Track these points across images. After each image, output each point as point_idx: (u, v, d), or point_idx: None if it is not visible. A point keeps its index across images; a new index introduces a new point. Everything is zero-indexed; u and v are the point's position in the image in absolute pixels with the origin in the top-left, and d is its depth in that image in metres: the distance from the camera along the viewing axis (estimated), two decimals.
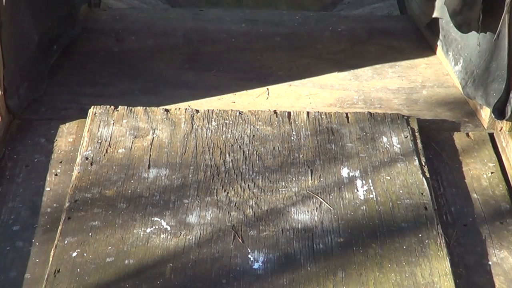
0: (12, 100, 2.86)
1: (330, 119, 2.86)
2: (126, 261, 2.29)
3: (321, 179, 2.60)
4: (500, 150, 2.83)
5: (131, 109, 2.87)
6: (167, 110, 2.87)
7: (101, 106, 2.87)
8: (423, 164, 2.68)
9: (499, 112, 2.72)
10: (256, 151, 2.71)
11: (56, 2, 3.23)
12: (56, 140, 2.82)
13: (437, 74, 3.30)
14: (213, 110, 2.89)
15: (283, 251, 2.34)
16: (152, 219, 2.43)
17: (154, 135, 2.76)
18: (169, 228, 2.40)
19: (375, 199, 2.53)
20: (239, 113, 2.88)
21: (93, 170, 2.60)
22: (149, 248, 2.33)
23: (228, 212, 2.46)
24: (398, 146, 2.76)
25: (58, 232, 2.38)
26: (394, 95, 3.15)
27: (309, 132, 2.80)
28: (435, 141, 2.88)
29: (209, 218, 2.44)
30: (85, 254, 2.30)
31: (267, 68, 3.32)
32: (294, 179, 2.60)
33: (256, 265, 2.29)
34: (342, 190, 2.56)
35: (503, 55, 2.64)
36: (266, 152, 2.71)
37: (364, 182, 2.60)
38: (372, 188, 2.57)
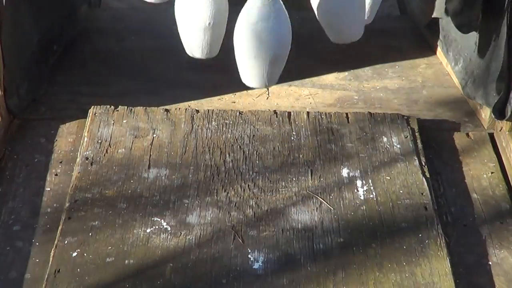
0: (12, 100, 2.86)
1: (330, 119, 2.86)
2: (126, 261, 2.29)
3: (321, 179, 2.60)
4: (500, 150, 2.83)
5: (131, 109, 2.87)
6: (167, 110, 2.87)
7: (101, 106, 2.88)
8: (423, 164, 2.68)
9: (499, 112, 2.72)
10: (256, 151, 2.71)
11: (56, 2, 3.22)
12: (56, 140, 2.81)
13: (437, 74, 3.30)
14: (213, 110, 2.89)
15: (283, 251, 2.34)
16: (152, 219, 2.43)
17: (154, 135, 2.76)
18: (169, 228, 2.40)
19: (375, 199, 2.53)
20: (239, 113, 2.88)
21: (93, 170, 2.60)
22: (149, 248, 2.33)
23: (228, 212, 2.46)
24: (398, 146, 2.76)
25: (58, 232, 2.38)
26: (394, 95, 3.14)
27: (309, 132, 2.80)
28: (435, 141, 2.88)
29: (209, 218, 2.44)
30: (85, 254, 2.30)
31: None
32: (294, 179, 2.60)
33: (256, 265, 2.29)
34: (342, 190, 2.56)
35: (503, 55, 2.64)
36: (266, 152, 2.71)
37: (364, 182, 2.60)
38: (372, 188, 2.57)
